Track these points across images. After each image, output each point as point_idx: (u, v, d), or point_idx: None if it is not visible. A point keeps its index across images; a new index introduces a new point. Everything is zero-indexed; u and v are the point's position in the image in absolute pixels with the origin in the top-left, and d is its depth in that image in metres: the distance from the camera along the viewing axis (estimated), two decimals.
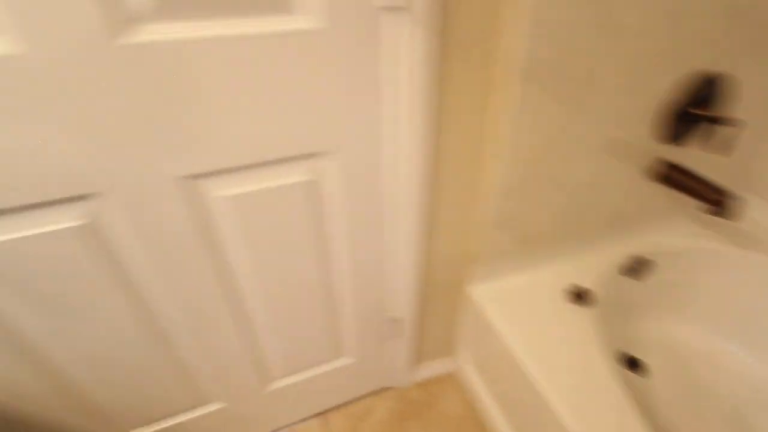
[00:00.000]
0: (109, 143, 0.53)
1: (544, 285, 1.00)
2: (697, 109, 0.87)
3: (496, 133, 0.75)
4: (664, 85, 0.81)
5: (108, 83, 0.49)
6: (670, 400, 1.05)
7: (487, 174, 0.81)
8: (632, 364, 1.12)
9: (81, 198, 0.56)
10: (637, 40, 0.72)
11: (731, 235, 1.11)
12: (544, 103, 0.73)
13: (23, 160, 0.50)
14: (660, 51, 0.75)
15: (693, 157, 0.97)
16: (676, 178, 0.94)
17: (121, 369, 0.77)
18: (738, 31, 0.80)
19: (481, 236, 0.91)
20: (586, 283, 1.00)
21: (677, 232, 1.14)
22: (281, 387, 1.01)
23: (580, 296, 0.96)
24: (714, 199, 0.87)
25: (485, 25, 0.63)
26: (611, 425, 0.72)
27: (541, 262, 1.03)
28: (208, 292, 0.73)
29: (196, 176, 0.61)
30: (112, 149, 0.54)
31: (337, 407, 1.16)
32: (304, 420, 1.13)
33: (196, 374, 0.87)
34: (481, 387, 1.12)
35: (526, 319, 0.93)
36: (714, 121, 0.86)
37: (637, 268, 1.08)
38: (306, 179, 0.68)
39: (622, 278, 1.07)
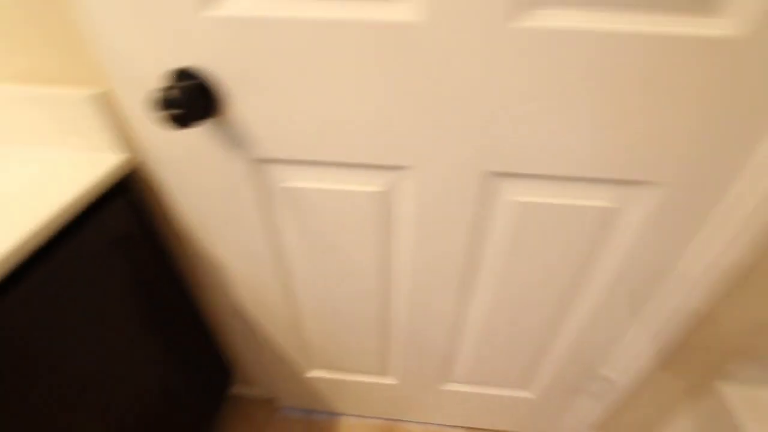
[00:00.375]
0: (438, 122, 0.51)
1: None
2: None
3: None
4: None
5: (486, 65, 0.46)
6: None
7: None
8: None
9: (391, 168, 0.57)
10: None
11: None
12: None
13: (360, 124, 0.52)
14: None
15: None
16: None
17: (342, 317, 0.82)
18: None
19: None
20: None
21: None
22: (454, 390, 0.98)
23: None
24: None
25: None
26: None
27: None
28: (445, 282, 0.71)
29: (500, 174, 0.56)
30: (436, 128, 0.52)
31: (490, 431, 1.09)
32: (455, 427, 1.10)
33: (393, 348, 0.89)
34: None
35: None
36: None
37: None
38: (606, 206, 0.58)
39: None
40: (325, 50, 0.47)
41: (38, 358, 0.53)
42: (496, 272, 0.69)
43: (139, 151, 0.64)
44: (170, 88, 0.48)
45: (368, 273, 0.72)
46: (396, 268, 0.71)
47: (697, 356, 0.77)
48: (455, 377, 0.95)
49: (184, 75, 0.51)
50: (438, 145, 0.53)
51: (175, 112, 0.47)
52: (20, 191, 0.55)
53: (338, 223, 0.64)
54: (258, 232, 0.67)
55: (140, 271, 0.70)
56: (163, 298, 0.77)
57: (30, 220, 0.51)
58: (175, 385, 0.82)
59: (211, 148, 0.57)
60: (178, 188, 0.65)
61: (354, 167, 0.58)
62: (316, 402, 1.10)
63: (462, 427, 1.10)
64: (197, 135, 0.56)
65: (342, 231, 0.65)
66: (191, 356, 0.88)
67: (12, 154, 0.63)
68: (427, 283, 0.72)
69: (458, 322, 0.79)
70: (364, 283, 0.74)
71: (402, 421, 1.12)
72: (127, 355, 0.68)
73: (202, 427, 0.94)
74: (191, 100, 0.48)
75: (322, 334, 0.87)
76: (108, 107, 0.59)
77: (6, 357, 0.49)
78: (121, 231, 0.64)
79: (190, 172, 0.62)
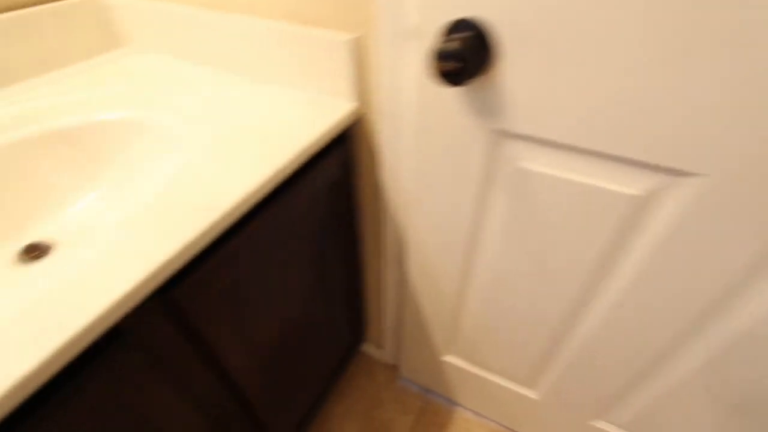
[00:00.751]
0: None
1: None
2: None
3: None
4: None
5: None
6: None
7: None
8: None
9: (670, 171, 0.46)
10: None
11: None
12: None
13: (658, 109, 0.42)
14: None
15: None
16: None
17: (511, 316, 0.76)
18: None
19: None
20: None
21: None
22: (603, 429, 0.85)
23: None
24: None
25: None
26: None
27: None
28: (667, 320, 0.59)
29: None
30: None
31: None
32: None
33: (554, 364, 0.80)
34: None
35: None
36: None
37: None
38: None
39: None
40: (637, 8, 0.37)
41: (257, 275, 0.57)
42: (745, 329, 0.54)
43: (368, 103, 0.63)
44: (450, 39, 0.43)
45: (571, 281, 0.63)
46: (608, 285, 0.61)
47: None
48: (612, 417, 0.82)
49: (460, 27, 0.46)
50: (747, 148, 0.40)
51: (452, 65, 0.43)
52: (269, 128, 0.58)
53: (563, 219, 0.56)
54: (466, 208, 0.62)
55: (333, 220, 0.72)
56: (342, 247, 0.79)
57: (278, 155, 0.52)
58: (325, 325, 0.86)
59: (456, 111, 0.53)
60: (396, 146, 0.64)
61: (617, 161, 0.48)
62: (439, 385, 1.08)
63: None
64: (447, 94, 0.52)
65: (563, 229, 0.57)
66: (343, 305, 0.90)
67: (266, 91, 0.67)
68: (641, 313, 0.60)
69: (654, 367, 0.66)
70: (559, 290, 0.65)
71: None
72: (303, 286, 0.71)
73: (333, 371, 0.98)
74: (470, 53, 0.43)
75: (481, 326, 0.82)
76: (357, 54, 0.58)
77: (240, 272, 0.53)
78: (332, 178, 0.66)
79: (417, 132, 0.59)
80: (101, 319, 0.35)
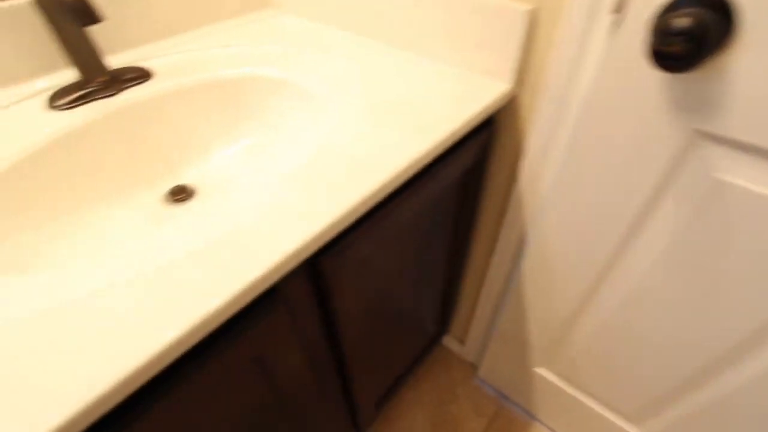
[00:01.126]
0: None
1: None
2: None
3: None
4: None
5: None
6: None
7: None
8: None
9: None
10: None
11: None
12: None
13: None
14: None
15: None
16: None
17: (640, 348, 0.67)
18: None
19: None
20: None
21: None
22: None
23: None
24: None
25: None
26: None
27: None
28: None
29: None
30: None
31: None
32: None
33: (678, 408, 0.70)
34: None
35: None
36: None
37: None
38: None
39: None
40: None
41: (383, 252, 0.55)
42: None
43: (525, 84, 0.57)
44: (680, 14, 0.36)
45: (739, 323, 0.52)
46: None
47: None
48: None
49: (683, 1, 0.38)
50: None
51: (679, 47, 0.36)
52: (418, 104, 0.55)
53: (760, 249, 0.46)
54: (625, 214, 0.54)
55: (455, 207, 0.68)
56: (453, 235, 0.75)
57: (429, 134, 0.49)
58: (418, 311, 0.83)
59: (652, 101, 0.44)
60: (549, 133, 0.57)
61: None
62: (520, 394, 1.01)
63: None
64: (647, 80, 0.44)
65: (754, 259, 0.47)
66: (438, 293, 0.87)
67: (417, 62, 0.63)
68: None
69: None
70: (718, 330, 0.55)
71: None
72: (412, 270, 0.69)
73: (414, 358, 0.96)
74: (707, 33, 0.36)
75: (595, 347, 0.74)
76: (531, 28, 0.52)
77: (373, 247, 0.51)
78: (468, 163, 0.61)
79: (583, 120, 0.52)
80: (274, 271, 0.35)
